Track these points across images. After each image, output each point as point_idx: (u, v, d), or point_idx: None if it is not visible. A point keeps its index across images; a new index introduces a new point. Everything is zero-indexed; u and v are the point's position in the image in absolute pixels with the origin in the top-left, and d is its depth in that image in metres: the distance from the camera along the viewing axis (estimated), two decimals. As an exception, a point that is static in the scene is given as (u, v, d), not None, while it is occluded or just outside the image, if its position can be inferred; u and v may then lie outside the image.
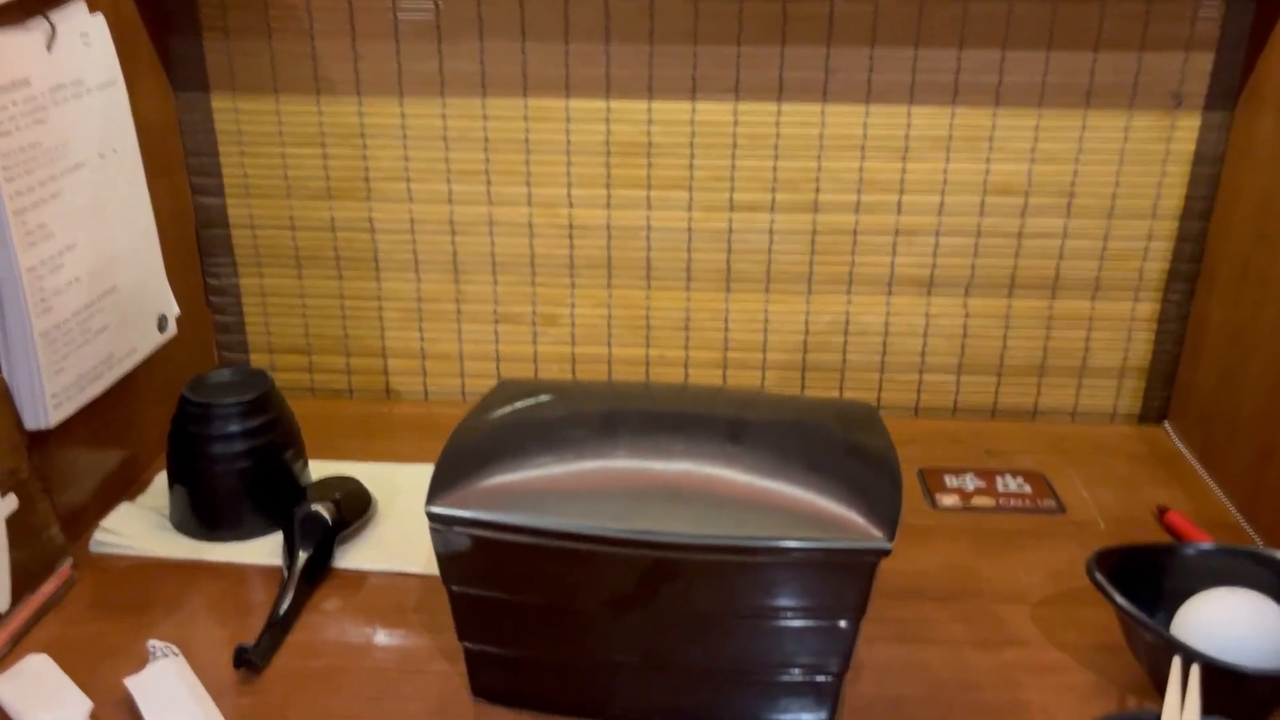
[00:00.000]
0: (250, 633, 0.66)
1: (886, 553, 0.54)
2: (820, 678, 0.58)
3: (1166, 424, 0.94)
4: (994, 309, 0.92)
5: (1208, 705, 0.56)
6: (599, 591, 0.57)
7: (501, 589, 0.58)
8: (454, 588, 0.59)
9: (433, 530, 0.57)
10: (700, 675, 0.59)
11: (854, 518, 0.55)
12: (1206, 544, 0.69)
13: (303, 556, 0.71)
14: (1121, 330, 0.92)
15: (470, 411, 0.66)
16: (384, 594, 0.72)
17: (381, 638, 0.67)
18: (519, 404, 0.65)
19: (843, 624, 0.57)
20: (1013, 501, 0.83)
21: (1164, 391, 0.94)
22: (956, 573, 0.74)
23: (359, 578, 0.73)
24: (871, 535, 0.54)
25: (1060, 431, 0.94)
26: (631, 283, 0.93)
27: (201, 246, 0.94)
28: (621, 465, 0.58)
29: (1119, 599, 0.61)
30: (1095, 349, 0.93)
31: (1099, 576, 0.63)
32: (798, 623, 0.57)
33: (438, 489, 0.57)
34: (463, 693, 0.63)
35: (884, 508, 0.56)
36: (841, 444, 0.61)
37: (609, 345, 0.95)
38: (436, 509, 0.56)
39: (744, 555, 0.55)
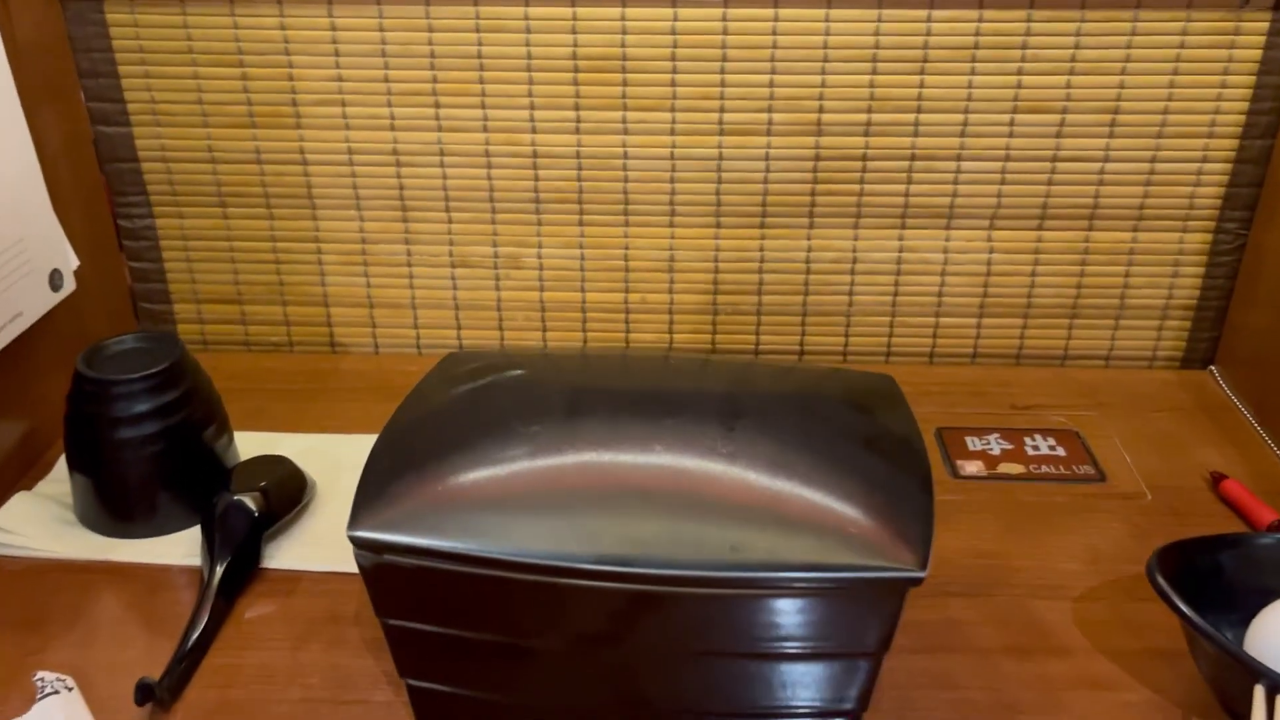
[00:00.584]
0: (161, 654, 0.56)
1: (918, 582, 0.44)
2: (834, 720, 0.49)
3: (1213, 369, 0.83)
4: (1022, 243, 0.81)
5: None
6: (565, 628, 0.47)
7: (446, 624, 0.48)
8: (389, 622, 0.49)
9: (358, 556, 0.47)
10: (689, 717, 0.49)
11: (878, 537, 0.44)
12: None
13: (221, 563, 0.60)
14: (1166, 265, 0.81)
15: (409, 396, 0.55)
16: (319, 601, 0.61)
17: (314, 657, 0.57)
18: (466, 386, 0.54)
19: (862, 663, 0.46)
20: (1045, 467, 0.72)
21: (1212, 333, 0.83)
22: (984, 560, 0.64)
23: (291, 580, 0.63)
24: (900, 560, 0.44)
25: (1093, 379, 0.83)
26: (606, 219, 0.81)
27: (109, 184, 0.81)
28: (590, 468, 0.47)
29: (1190, 614, 0.51)
30: (1135, 286, 0.82)
31: (1163, 583, 0.53)
32: (805, 665, 0.47)
33: (363, 506, 0.47)
34: (409, 729, 0.53)
35: (914, 522, 0.45)
36: (859, 434, 0.50)
37: (582, 290, 0.84)
38: (361, 533, 0.46)
39: (741, 589, 0.44)
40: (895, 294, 0.83)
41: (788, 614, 0.45)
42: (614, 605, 0.45)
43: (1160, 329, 0.83)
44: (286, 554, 0.64)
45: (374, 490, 0.47)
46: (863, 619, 0.45)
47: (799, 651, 0.46)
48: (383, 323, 0.85)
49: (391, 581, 0.47)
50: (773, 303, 0.83)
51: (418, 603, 0.47)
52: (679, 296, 0.83)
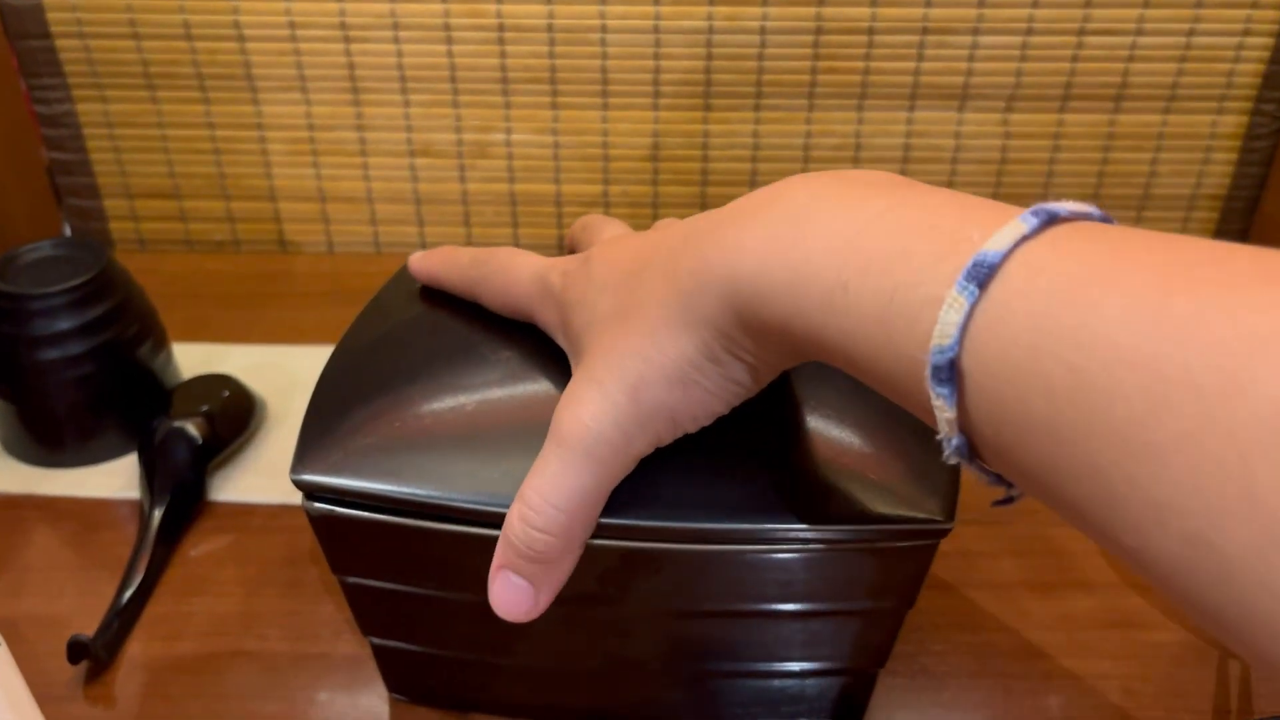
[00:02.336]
0: (98, 603, 0.51)
1: (946, 533, 0.38)
2: (845, 679, 0.44)
3: (1238, 263, 0.77)
4: (1041, 126, 0.73)
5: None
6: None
7: (411, 582, 0.42)
8: (346, 579, 0.43)
9: (305, 505, 0.41)
10: (688, 679, 0.44)
11: (897, 485, 0.38)
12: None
13: (162, 502, 0.54)
14: (1197, 149, 0.74)
15: (363, 312, 0.48)
16: (273, 538, 0.55)
17: (270, 603, 0.52)
18: (429, 301, 0.47)
19: (881, 619, 0.41)
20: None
21: (1241, 224, 0.77)
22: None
23: (241, 514, 0.57)
24: (922, 509, 0.38)
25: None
26: (583, 100, 0.73)
27: (21, 63, 0.72)
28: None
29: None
30: (1162, 172, 0.75)
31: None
32: (817, 623, 0.41)
33: (310, 445, 0.40)
34: (378, 685, 0.48)
35: (935, 466, 0.39)
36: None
37: (557, 182, 0.76)
38: (307, 476, 0.39)
39: (745, 545, 0.38)
40: (900, 183, 0.76)
41: (795, 573, 0.39)
42: (602, 564, 0.39)
43: (1186, 220, 0.77)
44: (235, 485, 0.58)
45: (322, 426, 0.41)
46: (885, 574, 0.40)
47: (808, 610, 0.41)
48: (337, 219, 0.78)
49: (346, 533, 0.41)
50: (766, 194, 0.76)
51: (378, 557, 0.41)
52: (664, 189, 0.76)
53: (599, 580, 0.40)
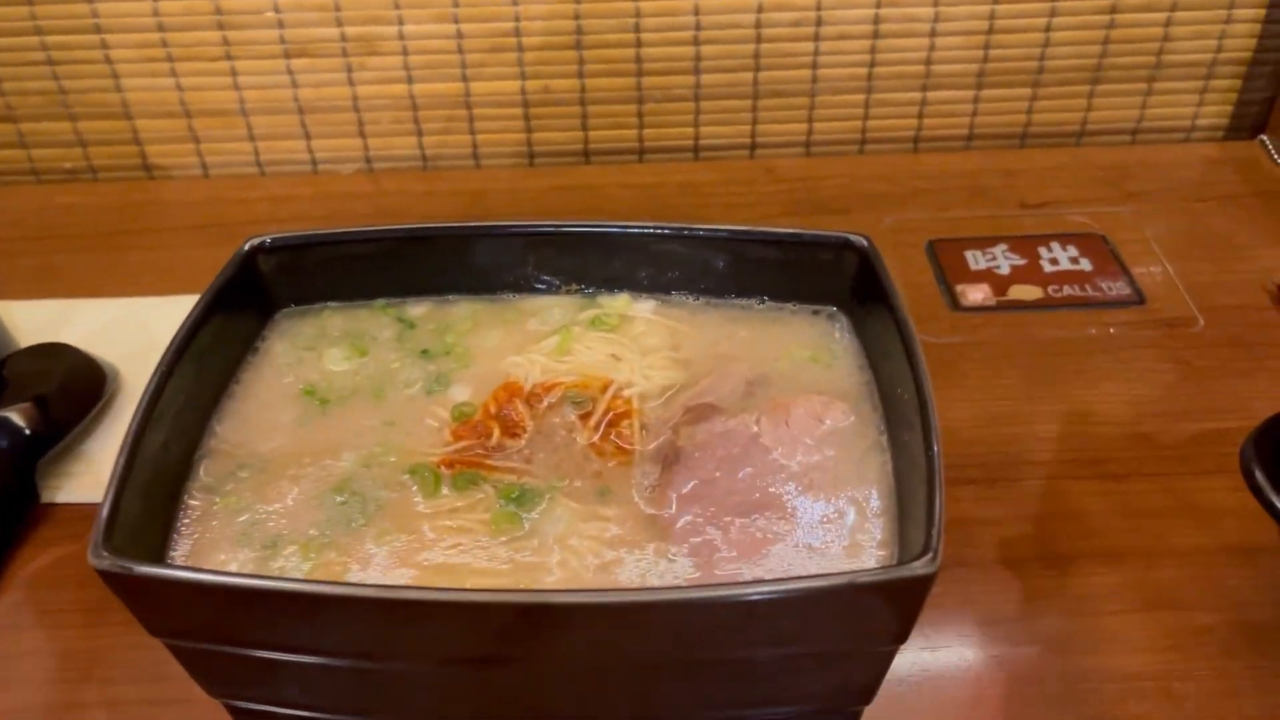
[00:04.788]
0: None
1: (929, 579, 0.29)
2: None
3: (1264, 139, 0.67)
4: (1036, -14, 0.62)
5: None
6: (428, 653, 0.31)
7: (244, 647, 0.32)
8: (169, 643, 0.33)
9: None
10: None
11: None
12: None
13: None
14: (1217, 9, 0.63)
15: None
16: (124, 548, 0.45)
17: (115, 636, 0.42)
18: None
19: (865, 664, 0.32)
20: (1067, 289, 0.57)
21: (1267, 92, 0.66)
22: (1000, 428, 0.50)
23: (81, 520, 0.47)
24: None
25: (1118, 160, 0.66)
26: (487, -20, 0.61)
27: None
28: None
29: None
30: (1177, 38, 0.64)
31: (1261, 479, 0.38)
32: (784, 671, 0.32)
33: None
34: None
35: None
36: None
37: (464, 80, 0.64)
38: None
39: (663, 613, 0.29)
40: (871, 64, 0.64)
41: (747, 629, 0.30)
42: (497, 625, 0.29)
43: (1204, 91, 0.66)
44: (77, 482, 0.48)
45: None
46: (865, 620, 0.30)
47: (767, 662, 0.31)
48: (208, 136, 0.66)
49: (160, 600, 0.31)
50: (715, 84, 0.64)
51: (201, 626, 0.32)
52: (593, 81, 0.64)
53: (495, 640, 0.30)
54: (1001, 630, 0.42)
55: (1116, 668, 0.40)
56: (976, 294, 0.57)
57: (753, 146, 0.67)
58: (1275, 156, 0.65)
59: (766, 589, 0.28)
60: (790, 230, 0.41)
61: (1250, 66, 0.65)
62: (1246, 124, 0.67)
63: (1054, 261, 0.58)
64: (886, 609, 0.30)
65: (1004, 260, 0.59)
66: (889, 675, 0.39)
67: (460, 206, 0.64)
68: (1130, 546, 0.44)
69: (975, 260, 0.59)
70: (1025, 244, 0.60)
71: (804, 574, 0.31)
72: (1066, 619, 0.42)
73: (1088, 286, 0.57)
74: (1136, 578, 0.43)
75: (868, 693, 0.34)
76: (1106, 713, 0.39)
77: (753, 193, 0.64)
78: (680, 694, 0.33)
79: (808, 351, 0.40)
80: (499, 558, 0.34)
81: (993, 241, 0.60)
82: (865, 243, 0.40)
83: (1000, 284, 0.57)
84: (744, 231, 0.41)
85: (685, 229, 0.41)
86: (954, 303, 0.56)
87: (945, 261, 0.59)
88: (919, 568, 0.28)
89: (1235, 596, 0.42)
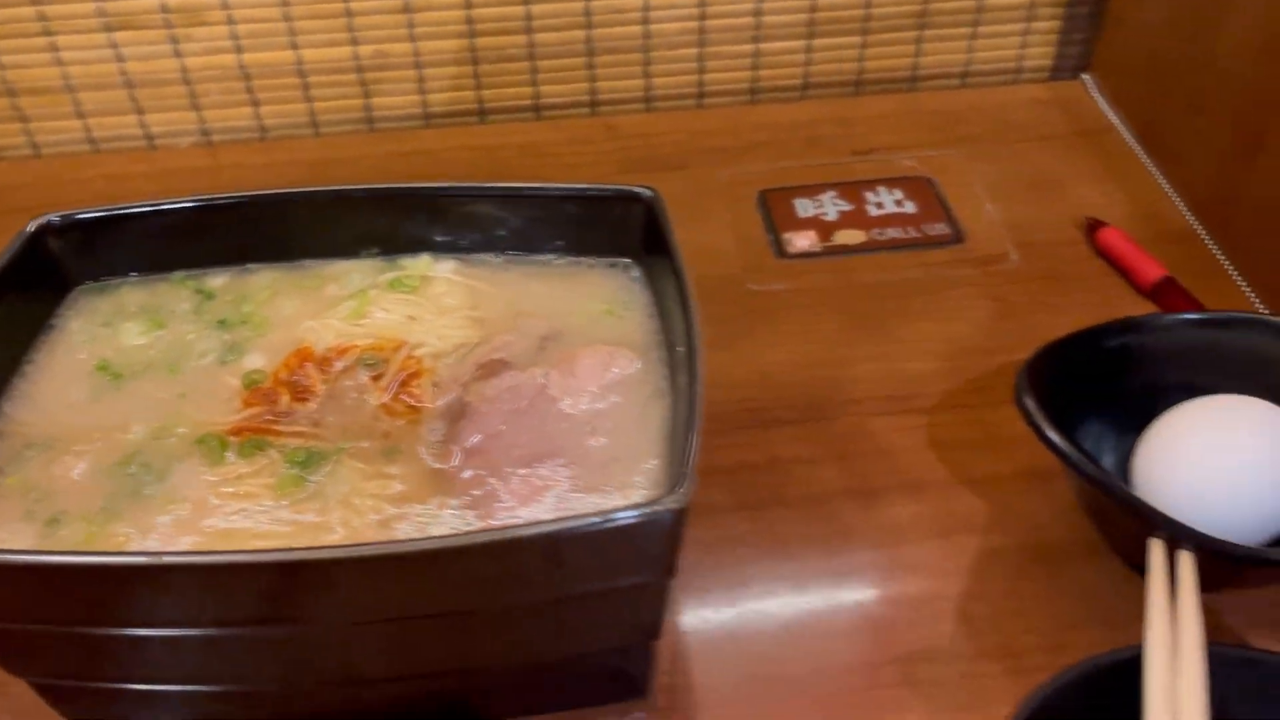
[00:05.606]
0: None
1: (681, 514, 0.30)
2: (614, 661, 0.36)
3: (1085, 78, 0.69)
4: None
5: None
6: (204, 615, 0.32)
7: (36, 622, 0.32)
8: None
9: None
10: (419, 684, 0.36)
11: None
12: (1178, 316, 0.46)
13: None
14: (1034, -50, 0.64)
15: None
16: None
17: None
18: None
19: (642, 600, 0.33)
20: (890, 231, 0.58)
21: (1086, 32, 0.68)
22: (818, 371, 0.51)
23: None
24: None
25: (948, 105, 0.68)
26: (307, -55, 0.60)
27: None
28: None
29: (1070, 453, 0.39)
30: (997, -20, 0.65)
31: (1030, 405, 0.40)
32: (562, 612, 0.33)
33: None
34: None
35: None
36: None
37: (295, 48, 0.63)
38: None
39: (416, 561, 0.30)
40: (702, 18, 0.65)
41: (507, 570, 0.31)
42: (263, 586, 0.30)
43: (1026, 33, 0.68)
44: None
45: None
46: (626, 558, 0.31)
47: (532, 605, 0.32)
48: (35, 114, 0.64)
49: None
50: (549, 42, 0.64)
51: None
52: (425, 44, 0.64)
53: (264, 601, 0.31)
54: (810, 565, 0.43)
55: (916, 593, 0.42)
56: (802, 241, 0.58)
57: (593, 104, 0.67)
58: (1097, 96, 0.68)
59: (517, 532, 0.29)
60: (581, 185, 0.41)
61: (1068, 7, 0.67)
62: (1069, 65, 0.69)
63: (879, 205, 0.60)
64: (645, 544, 0.31)
65: (831, 207, 0.60)
66: (703, 611, 0.41)
67: (300, 175, 0.63)
68: (933, 478, 0.46)
69: (804, 208, 0.60)
70: (853, 189, 0.61)
71: (558, 516, 0.32)
72: (872, 551, 0.44)
73: (910, 229, 0.59)
74: (937, 507, 0.45)
75: (653, 628, 0.35)
76: (902, 636, 0.41)
77: (592, 151, 0.64)
78: (471, 644, 0.34)
79: (603, 305, 0.41)
80: (282, 520, 0.34)
81: (822, 189, 0.61)
82: (651, 194, 0.40)
83: (826, 230, 0.59)
84: (538, 188, 0.42)
85: (479, 188, 0.42)
86: (780, 251, 0.58)
87: (775, 211, 0.60)
88: (669, 503, 0.30)
89: (1027, 520, 0.44)
